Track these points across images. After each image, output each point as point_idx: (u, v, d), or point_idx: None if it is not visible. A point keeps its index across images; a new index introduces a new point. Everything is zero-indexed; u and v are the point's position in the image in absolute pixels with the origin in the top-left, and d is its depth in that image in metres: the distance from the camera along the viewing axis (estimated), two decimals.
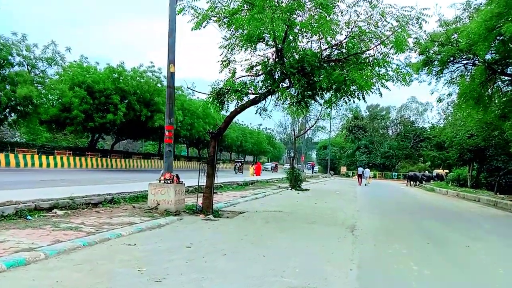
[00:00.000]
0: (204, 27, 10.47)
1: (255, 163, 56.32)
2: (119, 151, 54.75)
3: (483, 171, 37.63)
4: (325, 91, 11.67)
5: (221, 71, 11.06)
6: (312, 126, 39.36)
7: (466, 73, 20.26)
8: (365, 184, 40.79)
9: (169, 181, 11.18)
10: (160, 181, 11.31)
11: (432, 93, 22.21)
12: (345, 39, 10.83)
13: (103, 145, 61.08)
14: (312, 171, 75.02)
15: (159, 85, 40.76)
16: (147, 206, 11.29)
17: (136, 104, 38.26)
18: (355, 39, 10.65)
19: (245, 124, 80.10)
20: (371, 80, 10.43)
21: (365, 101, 11.27)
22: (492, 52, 18.02)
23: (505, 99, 20.90)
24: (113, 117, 36.45)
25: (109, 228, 8.41)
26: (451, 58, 18.88)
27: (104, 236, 7.58)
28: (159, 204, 11.01)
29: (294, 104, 11.98)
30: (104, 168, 38.83)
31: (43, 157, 33.25)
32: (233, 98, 11.08)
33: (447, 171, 51.20)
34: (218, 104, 11.24)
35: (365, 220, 12.92)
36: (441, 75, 20.25)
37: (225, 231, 9.24)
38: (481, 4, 18.38)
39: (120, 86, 37.77)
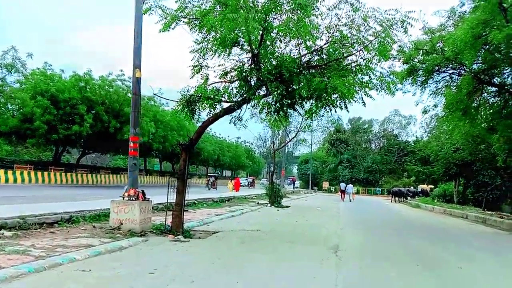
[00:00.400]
0: (173, 29, 10.11)
1: (233, 178, 55.67)
2: (86, 165, 53.46)
3: (470, 187, 37.95)
4: (305, 100, 11.40)
5: (192, 77, 10.70)
6: (293, 138, 39.13)
7: (451, 84, 20.39)
8: (350, 200, 40.75)
9: (133, 198, 10.63)
10: (123, 198, 10.75)
11: (417, 104, 22.30)
12: (325, 44, 10.61)
13: (69, 159, 59.54)
14: (293, 187, 74.82)
15: (129, 94, 39.93)
16: (109, 226, 10.71)
17: (104, 115, 37.37)
18: (336, 44, 10.44)
19: (222, 137, 79.60)
20: (354, 88, 10.20)
21: (347, 110, 11.03)
22: (479, 62, 18.16)
23: (491, 110, 21.09)
24: (79, 129, 35.45)
25: (62, 251, 7.87)
26: (436, 68, 18.95)
27: (55, 260, 7.03)
28: (122, 224, 10.45)
29: (272, 113, 11.63)
30: (69, 184, 37.69)
31: (1, 172, 31.99)
32: (205, 106, 10.66)
33: (432, 186, 51.62)
34: (188, 113, 10.80)
35: (349, 239, 12.70)
36: (426, 85, 20.32)
37: (196, 254, 8.81)
38: (465, 12, 18.59)
39: (87, 96, 36.82)
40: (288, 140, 43.30)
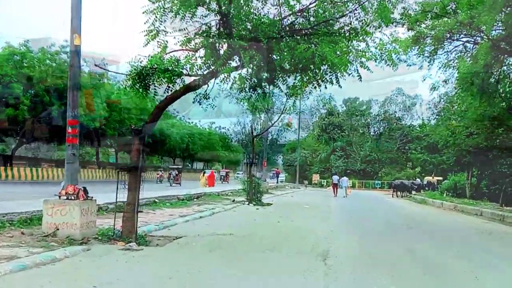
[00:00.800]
0: None
1: (205, 171, 55.09)
2: (24, 157, 52.36)
3: (485, 178, 38.24)
4: (287, 73, 11.12)
5: (146, 45, 10.17)
6: (275, 122, 38.70)
7: (466, 54, 20.24)
8: (344, 196, 40.80)
9: (72, 197, 10.13)
10: (60, 197, 10.25)
11: (424, 79, 22.32)
12: (312, 3, 10.27)
13: (4, 149, 58.33)
14: (277, 180, 74.77)
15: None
16: (42, 232, 10.23)
17: (45, 96, 36.51)
18: (326, 3, 10.16)
19: (193, 122, 78.94)
20: (347, 57, 9.94)
21: (339, 85, 10.77)
22: (499, 27, 17.99)
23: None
24: (14, 112, 34.65)
25: None
26: (448, 35, 18.77)
27: None
28: (58, 229, 10.02)
29: (247, 90, 11.24)
30: (3, 180, 36.94)
31: None
32: (161, 80, 10.18)
33: (440, 178, 52.10)
34: (141, 89, 10.29)
35: (342, 243, 12.62)
36: (435, 56, 20.15)
37: (150, 266, 8.50)
38: None
39: (24, 72, 35.89)
40: (270, 125, 42.87)
